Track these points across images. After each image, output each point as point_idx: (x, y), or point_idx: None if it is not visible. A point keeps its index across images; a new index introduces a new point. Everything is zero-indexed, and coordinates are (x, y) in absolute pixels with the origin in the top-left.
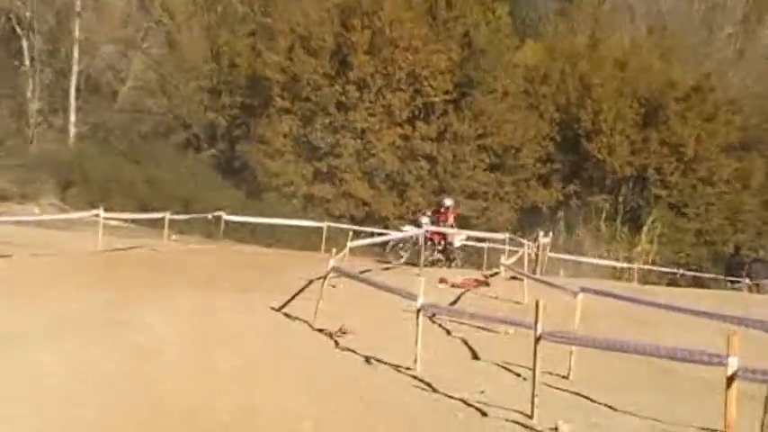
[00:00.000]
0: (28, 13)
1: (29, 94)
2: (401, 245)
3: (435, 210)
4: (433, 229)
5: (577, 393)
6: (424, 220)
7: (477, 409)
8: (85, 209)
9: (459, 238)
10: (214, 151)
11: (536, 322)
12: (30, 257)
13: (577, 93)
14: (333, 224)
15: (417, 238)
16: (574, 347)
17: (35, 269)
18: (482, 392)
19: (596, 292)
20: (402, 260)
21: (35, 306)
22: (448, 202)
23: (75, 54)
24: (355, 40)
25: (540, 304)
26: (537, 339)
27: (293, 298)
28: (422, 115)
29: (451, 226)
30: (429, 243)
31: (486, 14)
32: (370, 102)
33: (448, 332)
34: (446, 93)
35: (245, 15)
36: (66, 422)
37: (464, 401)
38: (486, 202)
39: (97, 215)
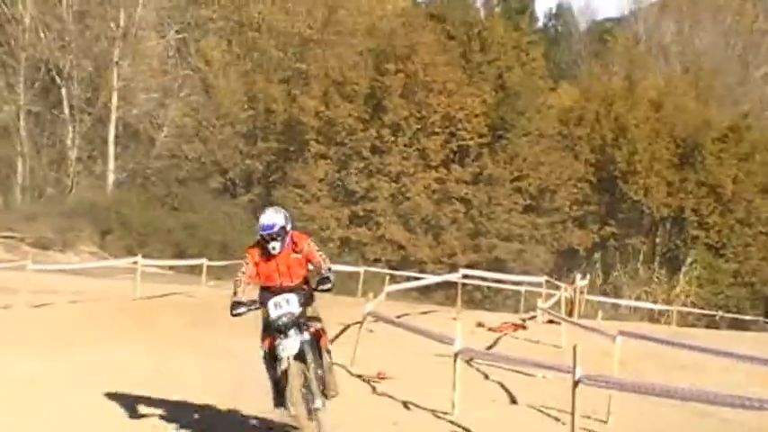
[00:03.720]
0: (67, 63)
1: (68, 143)
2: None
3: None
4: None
5: None
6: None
7: None
8: (124, 255)
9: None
10: (251, 196)
11: (574, 366)
12: (69, 305)
13: (613, 134)
14: (369, 268)
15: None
16: (612, 392)
17: (75, 316)
18: None
19: (634, 336)
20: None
21: (72, 352)
22: (277, 218)
23: (114, 102)
24: (389, 84)
25: (578, 348)
26: (575, 384)
27: (330, 342)
28: (457, 158)
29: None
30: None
31: (520, 57)
32: (405, 145)
33: (485, 376)
34: (481, 136)
35: (280, 62)
36: None
37: None
38: (522, 245)
39: (135, 262)
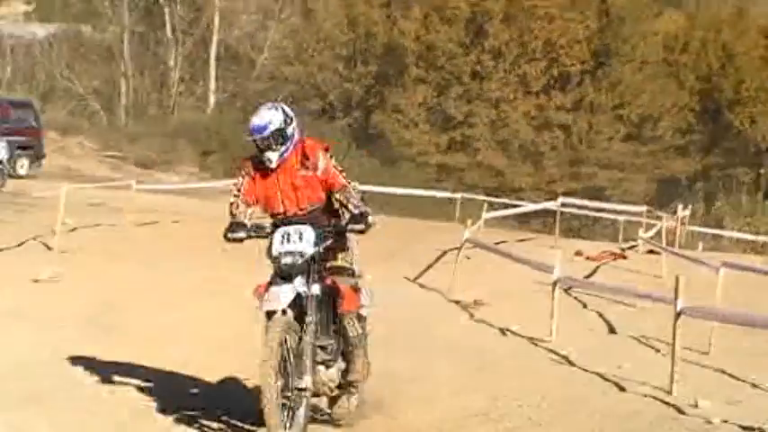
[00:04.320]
0: None
1: (171, 64)
2: None
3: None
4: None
5: (718, 370)
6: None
7: (615, 383)
8: (223, 176)
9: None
10: (349, 120)
11: (676, 297)
12: (171, 225)
13: (719, 62)
14: (467, 195)
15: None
16: (714, 323)
17: (177, 235)
18: (619, 367)
19: (738, 267)
20: None
21: (177, 268)
22: (272, 116)
23: (216, 23)
24: (490, 9)
25: (680, 279)
26: (677, 314)
27: (428, 268)
28: (557, 85)
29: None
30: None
31: None
32: (505, 71)
33: (584, 305)
34: (583, 62)
35: None
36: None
37: (601, 375)
38: (622, 173)
39: (235, 184)
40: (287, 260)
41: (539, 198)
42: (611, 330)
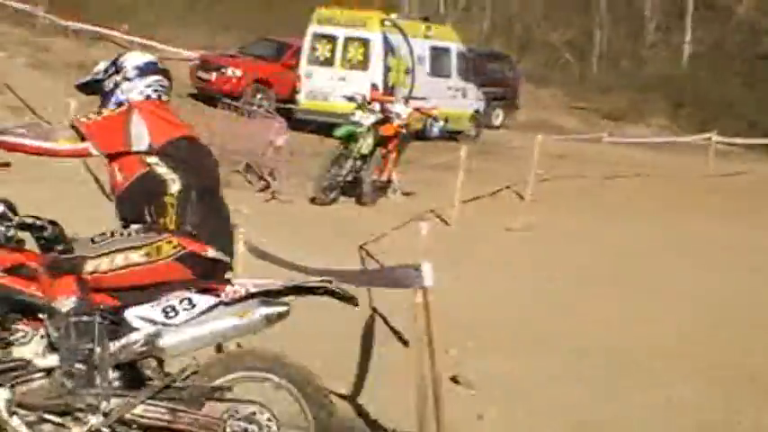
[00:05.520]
0: None
1: (646, 14)
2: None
3: None
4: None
5: None
6: None
7: None
8: (695, 131)
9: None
10: None
11: None
12: (635, 179)
13: None
14: None
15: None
16: None
17: (641, 190)
18: None
19: None
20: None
21: (646, 225)
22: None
23: None
24: None
25: None
26: None
27: None
28: None
29: None
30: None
31: None
32: None
33: None
34: None
35: None
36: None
37: None
38: None
39: (709, 138)
40: None
41: None
42: None
